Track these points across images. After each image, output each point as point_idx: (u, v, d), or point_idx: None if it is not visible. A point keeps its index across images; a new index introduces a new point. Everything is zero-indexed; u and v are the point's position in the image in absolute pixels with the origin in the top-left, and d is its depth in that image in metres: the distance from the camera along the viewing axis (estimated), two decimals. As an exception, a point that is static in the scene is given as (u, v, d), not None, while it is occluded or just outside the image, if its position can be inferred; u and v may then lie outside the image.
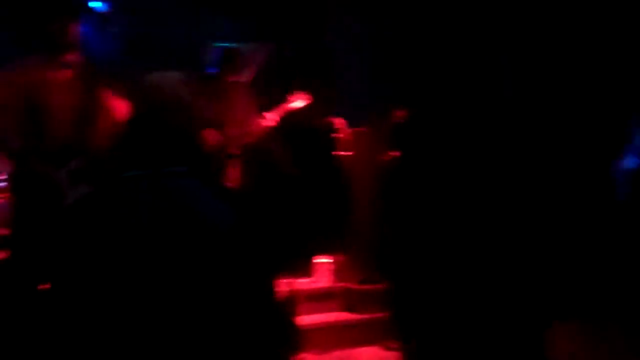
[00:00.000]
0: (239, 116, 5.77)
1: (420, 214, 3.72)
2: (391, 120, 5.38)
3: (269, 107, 6.05)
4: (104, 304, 2.20)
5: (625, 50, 4.75)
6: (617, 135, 4.64)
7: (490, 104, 3.73)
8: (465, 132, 3.68)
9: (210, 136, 4.67)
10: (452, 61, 3.89)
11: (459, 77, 3.82)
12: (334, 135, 6.77)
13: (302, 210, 6.44)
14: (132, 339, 2.17)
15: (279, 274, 2.43)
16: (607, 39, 4.63)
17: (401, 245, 3.87)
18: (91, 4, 5.76)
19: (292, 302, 5.21)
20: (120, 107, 3.89)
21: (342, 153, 6.70)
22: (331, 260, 6.61)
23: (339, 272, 6.55)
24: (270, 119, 6.00)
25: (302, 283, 6.41)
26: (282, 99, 6.13)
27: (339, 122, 6.74)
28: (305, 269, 6.59)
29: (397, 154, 4.92)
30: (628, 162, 4.62)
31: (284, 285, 2.58)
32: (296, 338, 4.76)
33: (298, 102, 6.14)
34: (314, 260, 6.65)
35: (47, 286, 2.34)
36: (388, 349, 5.60)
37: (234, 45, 6.00)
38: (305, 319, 5.70)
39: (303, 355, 5.24)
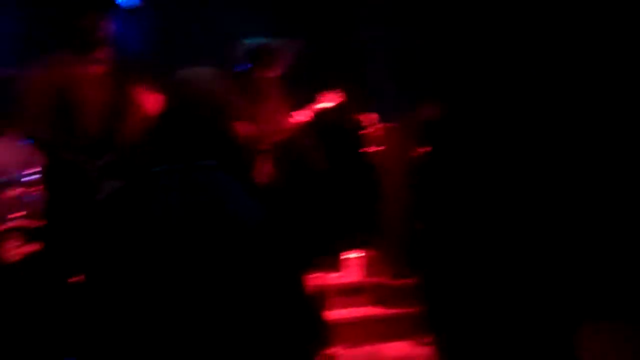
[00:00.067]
0: (269, 112, 5.77)
1: (451, 209, 3.71)
2: (422, 115, 5.36)
3: (299, 103, 6.05)
4: (135, 297, 2.21)
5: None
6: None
7: (519, 100, 3.71)
8: (495, 128, 3.67)
9: (241, 132, 4.68)
10: (483, 57, 3.87)
11: (490, 72, 3.80)
12: (364, 131, 6.76)
13: (332, 205, 6.44)
14: (163, 332, 2.19)
15: (308, 269, 2.43)
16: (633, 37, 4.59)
17: (432, 241, 3.86)
18: (121, 0, 5.79)
19: (322, 297, 5.22)
20: (151, 102, 3.91)
21: (373, 149, 6.69)
22: (361, 255, 6.61)
23: (369, 267, 6.55)
24: (302, 116, 6.00)
25: (332, 278, 6.42)
26: (312, 95, 6.14)
27: (369, 117, 6.73)
28: (335, 264, 6.60)
29: (427, 149, 4.90)
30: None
31: (314, 280, 2.58)
32: (326, 333, 4.76)
33: (330, 101, 6.14)
34: (344, 255, 6.65)
35: (79, 279, 2.37)
36: (418, 343, 5.59)
37: (264, 41, 6.01)
38: (335, 314, 5.71)
39: (333, 349, 5.25)
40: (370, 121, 6.71)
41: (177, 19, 6.85)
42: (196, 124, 2.37)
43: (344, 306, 6.14)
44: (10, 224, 3.79)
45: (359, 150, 6.77)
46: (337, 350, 5.38)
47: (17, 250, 3.69)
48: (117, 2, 4.42)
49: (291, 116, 5.95)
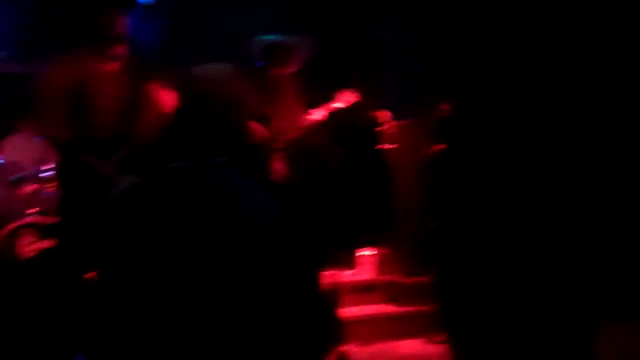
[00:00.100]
0: (284, 109, 5.78)
1: (464, 207, 3.70)
2: (436, 113, 5.35)
3: (314, 101, 6.05)
4: (149, 293, 2.22)
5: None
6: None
7: (536, 99, 3.69)
8: (510, 126, 3.66)
9: (256, 129, 4.69)
10: (499, 54, 3.86)
11: (505, 70, 3.79)
12: (378, 128, 6.75)
13: (346, 203, 6.44)
14: (176, 328, 2.19)
15: (322, 267, 2.43)
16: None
17: (446, 239, 3.85)
18: (137, -3, 5.80)
19: (336, 295, 5.22)
20: (166, 99, 3.92)
21: (386, 146, 6.69)
22: (375, 253, 6.61)
23: (382, 264, 6.55)
24: (317, 115, 6.00)
25: (346, 275, 6.42)
26: (326, 92, 6.14)
27: (383, 115, 6.73)
28: (349, 261, 6.60)
29: (442, 146, 4.90)
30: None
31: (328, 277, 2.58)
32: (339, 330, 4.76)
33: (345, 101, 6.14)
34: (358, 253, 6.65)
35: (94, 275, 2.37)
36: (431, 341, 5.58)
37: (278, 38, 6.01)
38: (348, 312, 5.71)
39: (346, 347, 5.25)
40: (384, 119, 6.70)
41: (192, 15, 6.86)
42: (210, 121, 2.37)
43: (358, 304, 6.14)
44: (25, 220, 3.81)
45: (373, 148, 6.76)
46: (350, 347, 5.38)
47: (31, 246, 3.70)
48: (133, -1, 4.43)
49: (306, 114, 5.95)
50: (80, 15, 4.15)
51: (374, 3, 7.38)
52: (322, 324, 2.40)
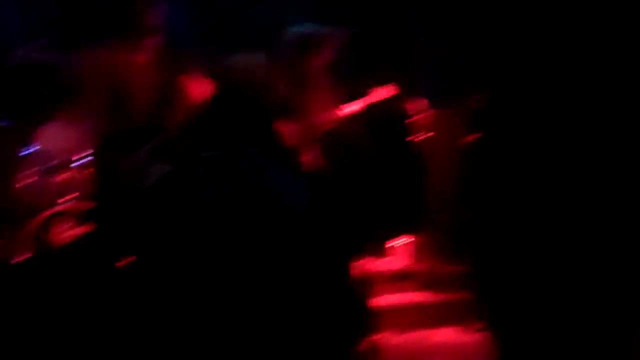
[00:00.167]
0: (317, 100, 5.77)
1: (501, 196, 3.68)
2: (472, 102, 5.32)
3: (347, 91, 6.04)
4: (182, 281, 2.23)
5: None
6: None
7: (573, 89, 3.66)
8: (548, 115, 3.63)
9: (288, 119, 4.69)
10: (536, 42, 3.83)
11: (544, 58, 3.76)
12: (413, 117, 6.73)
13: (380, 191, 6.43)
14: (208, 316, 2.20)
15: (356, 255, 2.43)
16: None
17: (481, 228, 3.84)
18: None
19: (370, 283, 5.22)
20: (199, 89, 3.93)
21: (421, 135, 6.66)
22: (409, 241, 6.60)
23: (417, 253, 6.54)
24: (352, 107, 5.99)
25: (380, 264, 6.42)
26: (360, 82, 6.12)
27: (418, 104, 6.70)
28: (383, 250, 6.60)
29: (477, 135, 4.87)
30: None
31: (362, 266, 2.58)
32: (373, 319, 4.76)
33: (381, 94, 6.12)
34: (392, 242, 6.64)
35: (129, 261, 2.39)
36: (467, 330, 5.57)
37: (312, 28, 6.00)
38: (382, 300, 5.71)
39: (380, 335, 5.25)
40: (419, 107, 6.68)
41: (224, 5, 6.87)
42: (242, 111, 2.38)
43: (392, 292, 6.14)
44: (60, 208, 3.84)
45: (408, 137, 6.74)
46: (383, 336, 5.38)
47: (67, 233, 3.73)
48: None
49: (340, 105, 5.94)
50: (114, 5, 4.18)
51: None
52: (355, 313, 2.40)
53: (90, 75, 4.05)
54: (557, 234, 3.49)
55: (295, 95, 5.35)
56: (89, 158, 3.96)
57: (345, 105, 5.98)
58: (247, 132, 2.36)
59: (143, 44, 4.15)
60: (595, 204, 3.50)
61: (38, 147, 4.06)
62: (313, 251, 2.27)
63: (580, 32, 3.73)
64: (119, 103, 4.07)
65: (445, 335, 5.73)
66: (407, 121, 6.73)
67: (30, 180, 3.99)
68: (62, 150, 4.03)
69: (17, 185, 4.00)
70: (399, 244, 6.62)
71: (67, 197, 3.85)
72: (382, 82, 6.18)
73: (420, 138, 6.64)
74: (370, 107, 6.14)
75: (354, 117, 6.09)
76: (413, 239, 6.59)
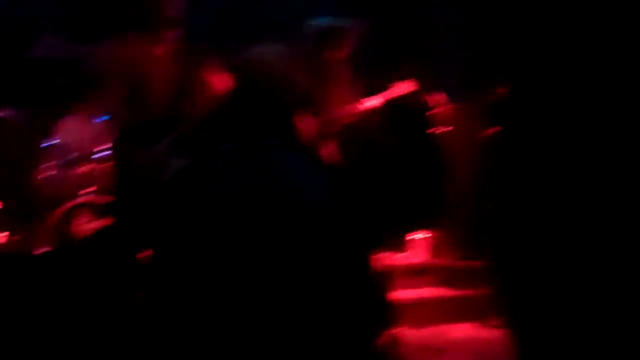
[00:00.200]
0: (337, 93, 5.76)
1: (521, 190, 3.66)
2: (492, 95, 5.30)
3: (367, 84, 6.02)
4: (201, 274, 2.23)
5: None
6: None
7: (592, 83, 3.64)
8: (567, 109, 3.61)
9: (309, 112, 4.69)
10: (556, 36, 3.81)
11: (563, 52, 3.74)
12: (433, 111, 6.71)
13: (399, 185, 6.42)
14: (228, 309, 2.20)
15: (375, 249, 2.42)
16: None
17: (501, 222, 3.82)
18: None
19: (388, 277, 5.21)
20: (218, 82, 3.93)
21: (441, 129, 6.64)
22: (428, 236, 6.58)
23: (435, 247, 6.52)
24: (373, 102, 5.97)
25: (399, 258, 6.41)
26: (382, 75, 6.11)
27: (438, 97, 6.68)
28: (402, 244, 6.59)
29: (497, 129, 4.85)
30: None
31: (381, 260, 2.58)
32: (391, 313, 4.75)
33: (402, 88, 6.10)
34: (411, 236, 6.63)
35: (148, 254, 2.40)
36: (485, 325, 5.55)
37: (332, 21, 5.98)
38: (401, 295, 5.70)
39: (398, 330, 5.24)
40: (439, 101, 6.66)
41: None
42: (262, 104, 2.37)
43: (410, 287, 6.13)
44: (80, 200, 3.86)
45: (427, 131, 6.72)
46: (402, 330, 5.37)
47: (87, 225, 3.75)
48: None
49: (360, 99, 5.93)
50: None
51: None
52: (374, 307, 2.39)
53: (110, 68, 4.07)
54: (579, 227, 3.47)
55: (315, 88, 5.35)
56: (109, 151, 3.97)
57: (365, 98, 5.97)
58: (266, 125, 2.35)
59: (162, 37, 4.16)
60: (615, 199, 3.48)
61: (58, 140, 4.09)
62: (332, 245, 2.27)
63: (601, 27, 3.71)
64: (139, 96, 4.07)
65: (464, 330, 5.71)
66: (427, 115, 6.71)
67: (50, 173, 4.02)
68: (82, 143, 4.05)
69: (37, 178, 4.03)
70: (418, 238, 6.61)
71: (87, 190, 3.87)
72: (402, 76, 6.16)
73: (440, 132, 6.62)
74: (390, 101, 6.12)
75: (373, 110, 6.07)
76: (432, 233, 6.57)
